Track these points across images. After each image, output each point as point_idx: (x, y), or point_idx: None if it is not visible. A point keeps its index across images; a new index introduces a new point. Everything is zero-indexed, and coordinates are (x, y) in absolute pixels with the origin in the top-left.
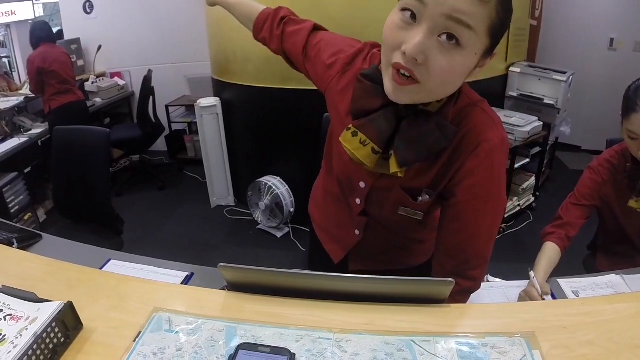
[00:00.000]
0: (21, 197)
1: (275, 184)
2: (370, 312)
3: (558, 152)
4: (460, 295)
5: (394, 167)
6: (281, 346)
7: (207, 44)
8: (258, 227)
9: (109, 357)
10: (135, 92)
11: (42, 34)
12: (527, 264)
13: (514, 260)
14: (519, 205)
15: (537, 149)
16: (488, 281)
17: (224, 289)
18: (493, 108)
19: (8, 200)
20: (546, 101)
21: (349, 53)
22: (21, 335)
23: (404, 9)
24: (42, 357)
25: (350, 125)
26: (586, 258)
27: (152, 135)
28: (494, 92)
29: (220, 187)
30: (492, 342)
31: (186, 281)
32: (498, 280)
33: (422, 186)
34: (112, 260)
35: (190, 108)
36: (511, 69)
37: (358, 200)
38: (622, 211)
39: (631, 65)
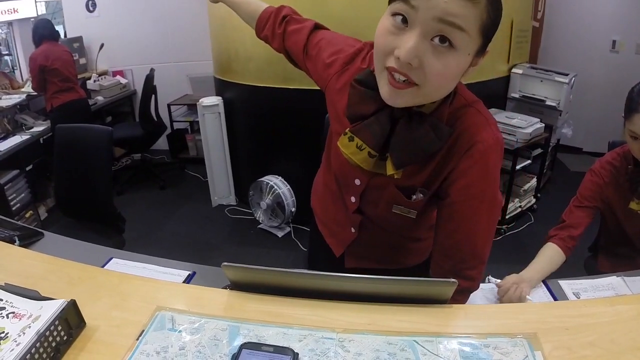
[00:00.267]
0: (22, 195)
1: (277, 183)
2: (373, 312)
3: (559, 154)
4: (459, 295)
5: (390, 169)
6: (284, 345)
7: (210, 43)
8: (259, 226)
9: (111, 356)
10: (137, 90)
11: (44, 32)
12: (527, 265)
13: (515, 262)
14: (520, 206)
15: (538, 151)
16: (489, 282)
17: (225, 288)
18: (495, 109)
19: (9, 198)
20: (548, 103)
21: (348, 52)
22: (24, 333)
23: (394, 14)
24: (44, 355)
25: (346, 130)
26: (587, 259)
27: (153, 134)
28: (496, 93)
29: (221, 186)
30: (494, 342)
31: (188, 280)
32: (500, 281)
33: (416, 185)
34: (113, 259)
35: (192, 107)
36: (513, 70)
37: (353, 198)
38: (624, 213)
39: (633, 68)
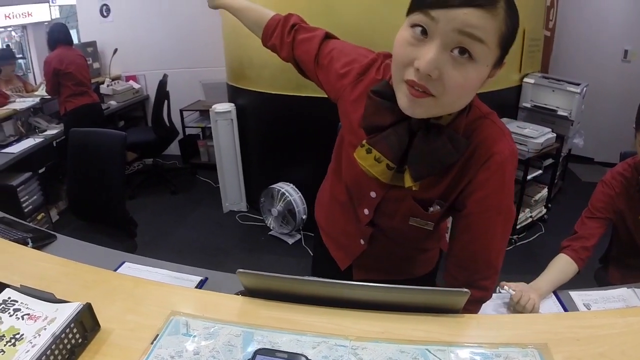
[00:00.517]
0: (35, 197)
1: (288, 190)
2: (386, 321)
3: (571, 164)
4: (472, 305)
5: (408, 182)
6: (298, 352)
7: (223, 49)
8: (270, 233)
9: (126, 359)
10: (150, 95)
11: (60, 35)
12: (538, 276)
13: (526, 272)
14: (530, 216)
15: (549, 161)
16: (500, 292)
17: (238, 294)
18: (506, 119)
19: (22, 200)
20: (560, 112)
21: (362, 63)
22: (39, 335)
23: (414, 25)
24: (59, 357)
25: (364, 142)
26: (598, 271)
27: (166, 139)
28: (508, 102)
29: (233, 193)
30: (506, 352)
31: (200, 285)
32: (511, 291)
33: (434, 197)
34: (126, 263)
35: (204, 113)
36: (525, 79)
37: (366, 211)
38: (635, 224)
39: None
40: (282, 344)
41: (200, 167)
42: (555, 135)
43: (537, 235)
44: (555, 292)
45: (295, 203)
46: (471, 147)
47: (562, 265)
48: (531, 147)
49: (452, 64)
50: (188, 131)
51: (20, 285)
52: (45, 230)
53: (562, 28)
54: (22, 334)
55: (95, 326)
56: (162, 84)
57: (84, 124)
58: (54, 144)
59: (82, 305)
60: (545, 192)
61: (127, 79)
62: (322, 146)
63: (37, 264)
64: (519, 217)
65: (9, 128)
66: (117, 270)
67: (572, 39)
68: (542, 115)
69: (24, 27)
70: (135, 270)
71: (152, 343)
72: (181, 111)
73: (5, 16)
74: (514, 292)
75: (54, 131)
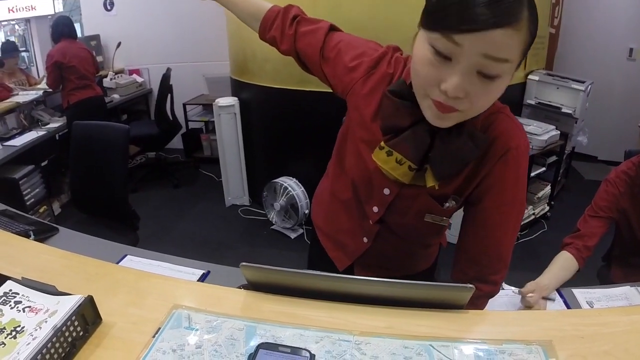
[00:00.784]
0: (37, 190)
1: (291, 185)
2: (390, 316)
3: (574, 162)
4: (480, 300)
5: (430, 181)
6: (301, 347)
7: (227, 43)
8: (272, 227)
9: (127, 352)
10: (153, 89)
11: (64, 29)
12: (541, 273)
13: (528, 269)
14: (533, 214)
15: (553, 158)
16: (503, 289)
17: (240, 288)
18: None
19: (24, 193)
20: (564, 110)
21: (372, 57)
22: (40, 328)
23: (436, 51)
24: (60, 350)
25: (382, 144)
26: (600, 269)
27: (168, 133)
28: (512, 99)
29: (235, 187)
30: (510, 349)
31: (202, 279)
32: (514, 288)
33: (449, 192)
34: (128, 256)
35: (207, 107)
36: (529, 76)
37: (376, 208)
38: (638, 223)
39: None
40: (285, 339)
41: (203, 161)
42: (559, 132)
43: (539, 232)
44: (558, 290)
45: (298, 197)
46: (487, 141)
47: (566, 263)
48: (535, 144)
49: (479, 83)
50: (191, 125)
51: (22, 277)
52: (48, 223)
53: (567, 25)
54: (23, 327)
55: (97, 319)
56: (166, 78)
57: (86, 117)
58: (57, 137)
59: (83, 298)
60: (548, 189)
61: (131, 72)
62: (325, 141)
63: (39, 257)
64: None
65: (11, 121)
66: (119, 263)
67: (577, 37)
68: (546, 113)
69: (27, 20)
70: (138, 263)
71: (153, 336)
72: (184, 105)
73: (9, 9)
74: (515, 289)
75: (57, 124)
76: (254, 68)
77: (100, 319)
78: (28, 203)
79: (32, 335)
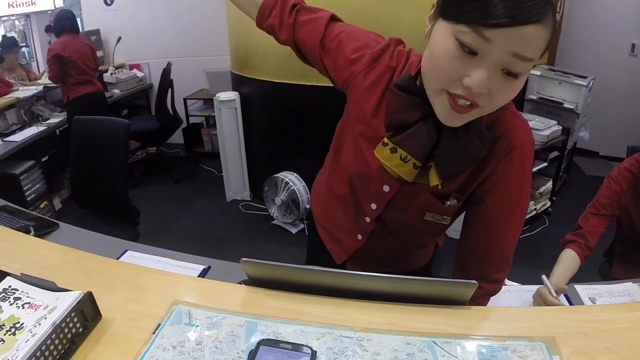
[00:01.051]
0: (37, 186)
1: (292, 179)
2: (392, 312)
3: (576, 157)
4: (482, 298)
5: (434, 180)
6: (302, 343)
7: (227, 38)
8: (273, 222)
9: (127, 349)
10: (154, 84)
11: (66, 23)
12: (543, 269)
13: (529, 265)
14: (535, 209)
15: (555, 153)
16: (505, 285)
17: (241, 283)
18: None
19: (25, 188)
20: (566, 105)
21: (374, 49)
22: (39, 324)
23: (462, 44)
24: (60, 347)
25: (386, 140)
26: (602, 265)
27: (169, 128)
28: None
29: (236, 182)
30: (513, 345)
31: (203, 274)
32: (515, 284)
33: (451, 190)
34: (128, 251)
35: (208, 102)
36: (531, 71)
37: (374, 205)
38: None
39: None
40: (286, 335)
41: (204, 155)
42: (561, 128)
43: (541, 228)
44: None
45: (299, 192)
46: (494, 139)
47: (572, 262)
48: (537, 139)
49: (502, 81)
50: (192, 120)
51: (21, 273)
52: (48, 218)
53: (570, 20)
54: (22, 323)
55: (97, 315)
56: (166, 73)
57: (87, 112)
58: (57, 133)
59: (83, 294)
60: (550, 184)
61: (131, 67)
62: (327, 135)
63: (38, 252)
64: None
65: (12, 116)
66: (120, 259)
67: (580, 32)
68: (548, 108)
69: (27, 15)
70: (138, 258)
71: (154, 333)
72: (185, 100)
73: (9, 5)
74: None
75: (57, 119)
76: (255, 62)
77: (100, 315)
78: (28, 199)
79: (31, 332)
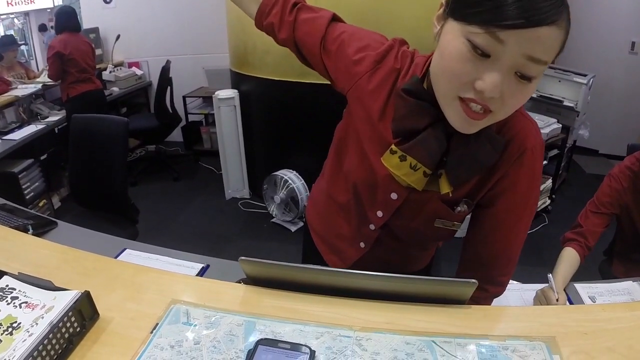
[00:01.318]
0: (36, 184)
1: (291, 177)
2: (391, 311)
3: (575, 156)
4: (486, 300)
5: (445, 188)
6: (301, 342)
7: (227, 35)
8: (272, 220)
9: (125, 348)
10: (153, 82)
11: (67, 21)
12: (542, 267)
13: (529, 263)
14: None
15: (555, 151)
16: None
17: (239, 282)
18: None
19: (24, 187)
20: (566, 103)
21: (379, 50)
22: (37, 324)
23: (474, 46)
24: (57, 347)
25: (394, 148)
26: (602, 264)
27: (168, 126)
28: None
29: (235, 180)
30: (513, 345)
31: (201, 273)
32: (515, 282)
33: (461, 196)
34: (127, 250)
35: (207, 99)
36: None
37: (380, 213)
38: None
39: None
40: (285, 334)
41: (203, 153)
42: (560, 126)
43: (540, 226)
44: None
45: (298, 190)
46: (504, 144)
47: (574, 261)
48: None
49: (515, 84)
50: (191, 118)
51: (18, 272)
52: (46, 217)
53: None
54: (20, 323)
55: (94, 314)
56: (165, 70)
57: (86, 110)
58: (56, 131)
59: (80, 293)
60: (549, 183)
61: (130, 65)
62: (326, 133)
63: (36, 251)
64: None
65: (10, 115)
66: (118, 258)
67: (580, 30)
68: (548, 106)
69: (26, 13)
70: (136, 257)
71: (151, 332)
72: (184, 97)
73: (8, 3)
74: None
75: (56, 117)
76: (254, 60)
77: (98, 314)
78: (27, 197)
79: (28, 332)
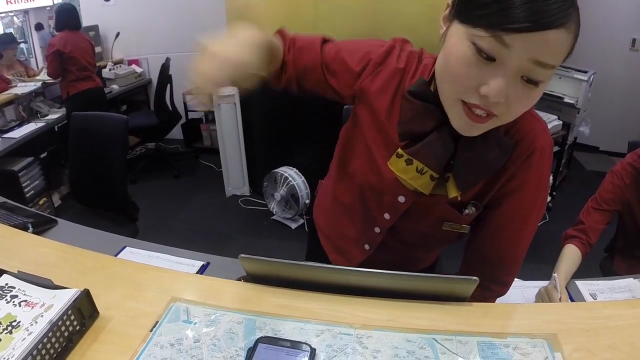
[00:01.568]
0: (36, 182)
1: (292, 174)
2: (392, 309)
3: (576, 152)
4: (489, 299)
5: (452, 192)
6: (301, 340)
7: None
8: (273, 217)
9: (125, 347)
10: (153, 79)
11: (68, 19)
12: (543, 264)
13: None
14: None
15: (555, 148)
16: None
17: (240, 279)
18: None
19: (24, 185)
20: (566, 100)
21: (379, 52)
22: (36, 322)
23: (479, 50)
24: (57, 345)
25: (401, 152)
26: (603, 260)
27: (168, 123)
28: None
29: (235, 177)
30: (514, 342)
31: (202, 271)
32: (516, 280)
33: (469, 199)
34: (127, 248)
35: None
36: None
37: (387, 215)
38: None
39: None
40: (285, 332)
41: (203, 151)
42: (561, 122)
43: (541, 223)
44: None
45: (299, 187)
46: (513, 146)
47: (576, 258)
48: None
49: (521, 89)
50: (191, 115)
51: (18, 271)
52: (46, 215)
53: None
54: (19, 321)
55: (94, 313)
56: (165, 68)
57: (86, 108)
58: (56, 129)
59: (80, 292)
60: (550, 179)
61: (130, 62)
62: (327, 130)
63: (36, 250)
64: None
65: (10, 113)
66: (118, 255)
67: (580, 26)
68: (549, 102)
69: (25, 12)
70: (136, 255)
71: (151, 330)
72: (184, 95)
73: (7, 1)
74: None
75: (56, 115)
76: None
77: (97, 312)
78: (27, 195)
79: (27, 330)
